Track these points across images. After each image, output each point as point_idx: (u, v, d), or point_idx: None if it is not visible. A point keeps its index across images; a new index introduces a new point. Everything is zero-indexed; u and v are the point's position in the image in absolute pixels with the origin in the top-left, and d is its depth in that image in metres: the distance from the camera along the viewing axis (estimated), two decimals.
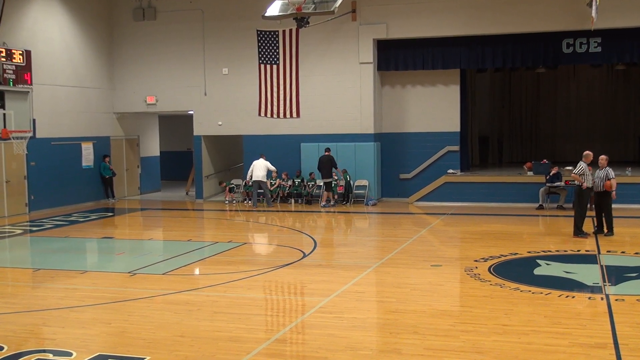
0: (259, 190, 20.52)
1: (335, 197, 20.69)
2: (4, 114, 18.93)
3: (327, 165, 20.22)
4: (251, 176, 20.31)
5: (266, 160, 20.52)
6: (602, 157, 14.49)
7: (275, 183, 21.37)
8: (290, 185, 21.51)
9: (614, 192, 14.21)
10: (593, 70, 26.73)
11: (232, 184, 22.63)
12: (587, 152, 14.57)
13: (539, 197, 19.35)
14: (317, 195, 21.35)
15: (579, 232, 14.28)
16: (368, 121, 21.18)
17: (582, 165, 14.23)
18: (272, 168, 20.60)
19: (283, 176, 21.47)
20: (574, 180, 14.90)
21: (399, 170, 21.86)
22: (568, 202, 18.46)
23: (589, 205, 16.50)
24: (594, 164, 14.55)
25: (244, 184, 22.14)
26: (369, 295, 10.27)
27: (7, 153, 19.28)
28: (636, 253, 12.68)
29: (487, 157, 27.43)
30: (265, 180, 20.40)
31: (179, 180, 27.98)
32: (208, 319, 8.81)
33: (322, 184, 20.61)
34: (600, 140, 26.40)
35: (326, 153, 20.40)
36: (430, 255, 13.22)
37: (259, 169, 20.21)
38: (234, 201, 22.20)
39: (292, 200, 21.52)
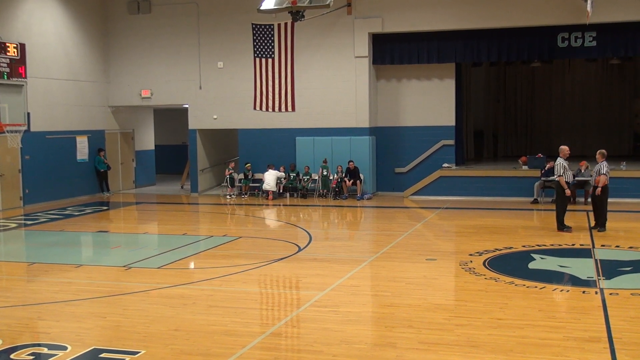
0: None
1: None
2: None
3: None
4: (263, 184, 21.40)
5: (274, 169, 21.23)
6: (598, 152, 14.56)
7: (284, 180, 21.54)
8: (285, 179, 21.51)
9: (599, 189, 14.15)
10: (588, 65, 26.76)
11: (231, 171, 21.83)
12: (562, 146, 14.59)
13: (533, 191, 19.38)
14: (312, 189, 21.39)
15: (561, 226, 14.29)
16: (363, 115, 21.17)
17: (559, 163, 14.23)
18: (281, 175, 21.31)
19: (280, 169, 21.46)
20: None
21: (394, 164, 21.88)
22: None
23: (584, 200, 16.57)
24: (591, 159, 14.61)
25: (239, 179, 22.10)
26: (364, 289, 10.29)
27: (2, 147, 19.20)
28: (630, 247, 12.73)
29: (482, 151, 27.42)
30: (275, 188, 21.10)
31: (174, 174, 27.96)
32: (203, 313, 8.81)
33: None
34: (594, 135, 26.51)
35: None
36: (425, 249, 13.24)
37: (270, 180, 21.05)
38: (231, 195, 21.78)
39: (288, 194, 21.53)
